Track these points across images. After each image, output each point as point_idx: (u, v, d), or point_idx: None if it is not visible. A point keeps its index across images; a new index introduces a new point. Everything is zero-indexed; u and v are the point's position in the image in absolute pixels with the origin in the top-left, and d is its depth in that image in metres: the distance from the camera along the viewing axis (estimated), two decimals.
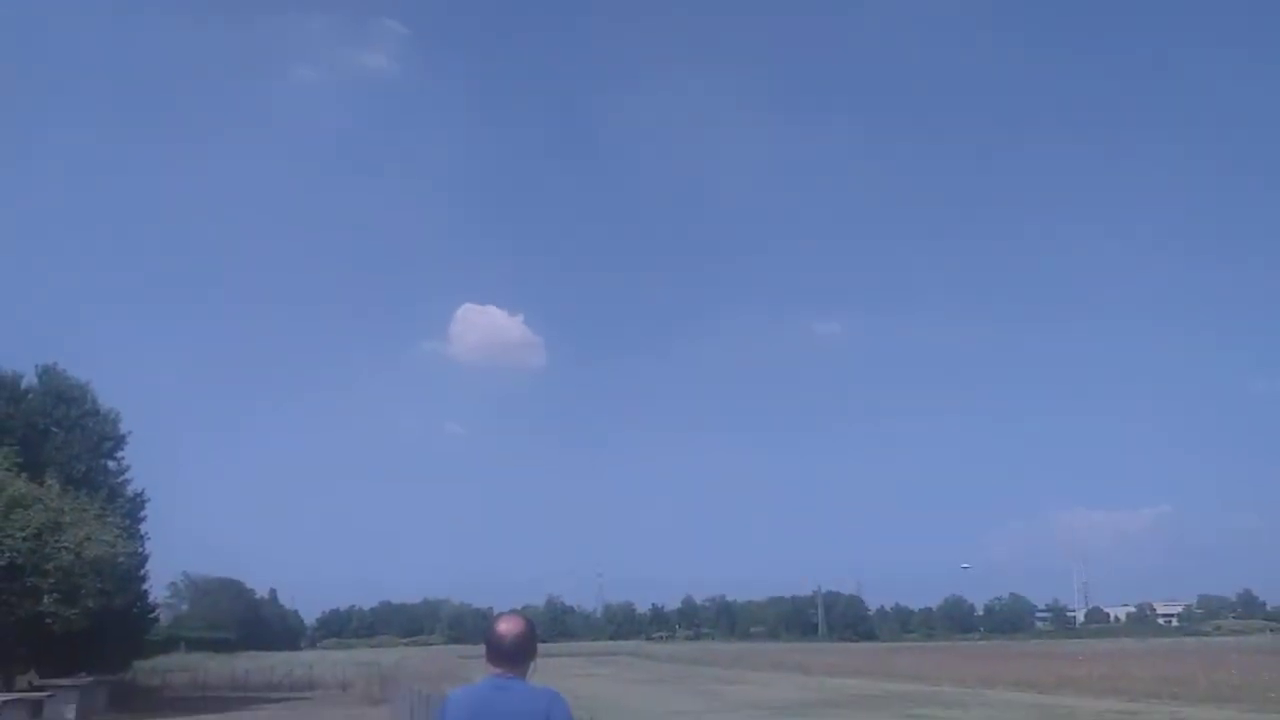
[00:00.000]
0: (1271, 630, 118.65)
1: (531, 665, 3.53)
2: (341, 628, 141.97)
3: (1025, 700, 30.87)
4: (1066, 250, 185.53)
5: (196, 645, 73.89)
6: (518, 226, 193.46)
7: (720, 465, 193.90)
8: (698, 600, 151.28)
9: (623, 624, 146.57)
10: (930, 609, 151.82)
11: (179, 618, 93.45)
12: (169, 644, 64.67)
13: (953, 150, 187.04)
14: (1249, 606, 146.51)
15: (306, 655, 75.29)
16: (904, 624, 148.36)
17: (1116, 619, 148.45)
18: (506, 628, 3.52)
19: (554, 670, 44.22)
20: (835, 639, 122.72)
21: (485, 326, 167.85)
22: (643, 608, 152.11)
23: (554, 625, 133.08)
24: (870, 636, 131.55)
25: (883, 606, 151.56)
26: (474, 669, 34.64)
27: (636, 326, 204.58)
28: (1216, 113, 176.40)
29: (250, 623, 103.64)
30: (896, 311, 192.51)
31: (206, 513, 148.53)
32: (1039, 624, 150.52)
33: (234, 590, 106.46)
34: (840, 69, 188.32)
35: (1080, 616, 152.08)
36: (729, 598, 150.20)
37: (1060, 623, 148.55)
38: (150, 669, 42.53)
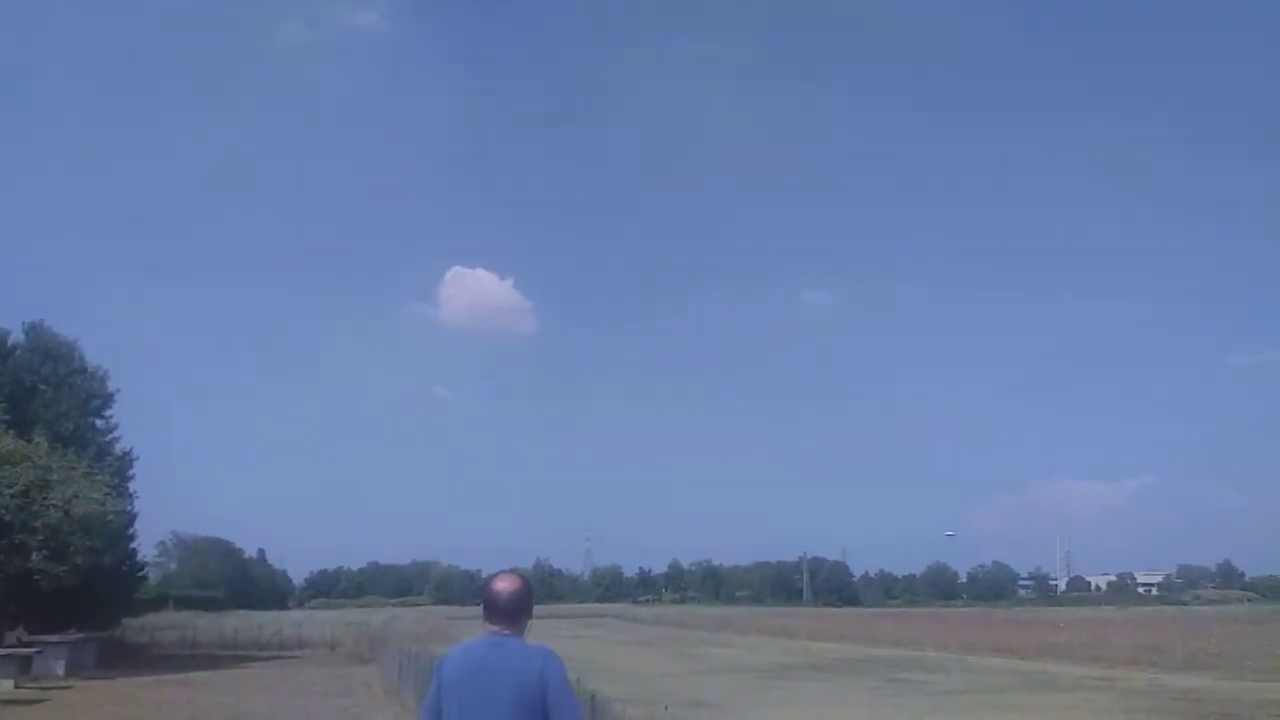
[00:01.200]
0: (1250, 600, 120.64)
1: (528, 623, 3.55)
2: (330, 588, 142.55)
3: (1007, 666, 31.30)
4: (1054, 222, 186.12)
5: (185, 603, 73.93)
6: (508, 188, 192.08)
7: (708, 431, 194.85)
8: (684, 564, 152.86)
9: (610, 587, 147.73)
10: (914, 576, 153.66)
11: (168, 576, 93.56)
12: (158, 602, 64.77)
13: (942, 118, 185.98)
14: (1228, 577, 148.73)
15: (295, 615, 75.58)
16: (888, 590, 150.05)
17: (1097, 588, 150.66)
18: (503, 585, 3.54)
19: (542, 631, 43.46)
20: (820, 604, 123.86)
21: (475, 290, 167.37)
22: (630, 571, 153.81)
23: (542, 587, 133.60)
24: (854, 602, 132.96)
25: (867, 573, 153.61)
26: (462, 629, 34.87)
27: (627, 293, 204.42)
28: (1203, 85, 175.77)
29: (239, 582, 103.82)
30: (884, 282, 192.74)
31: (195, 473, 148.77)
32: (1021, 592, 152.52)
33: (222, 549, 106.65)
34: (830, 34, 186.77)
35: (1062, 585, 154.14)
36: (715, 562, 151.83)
37: (1042, 591, 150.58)
38: (139, 626, 42.65)
